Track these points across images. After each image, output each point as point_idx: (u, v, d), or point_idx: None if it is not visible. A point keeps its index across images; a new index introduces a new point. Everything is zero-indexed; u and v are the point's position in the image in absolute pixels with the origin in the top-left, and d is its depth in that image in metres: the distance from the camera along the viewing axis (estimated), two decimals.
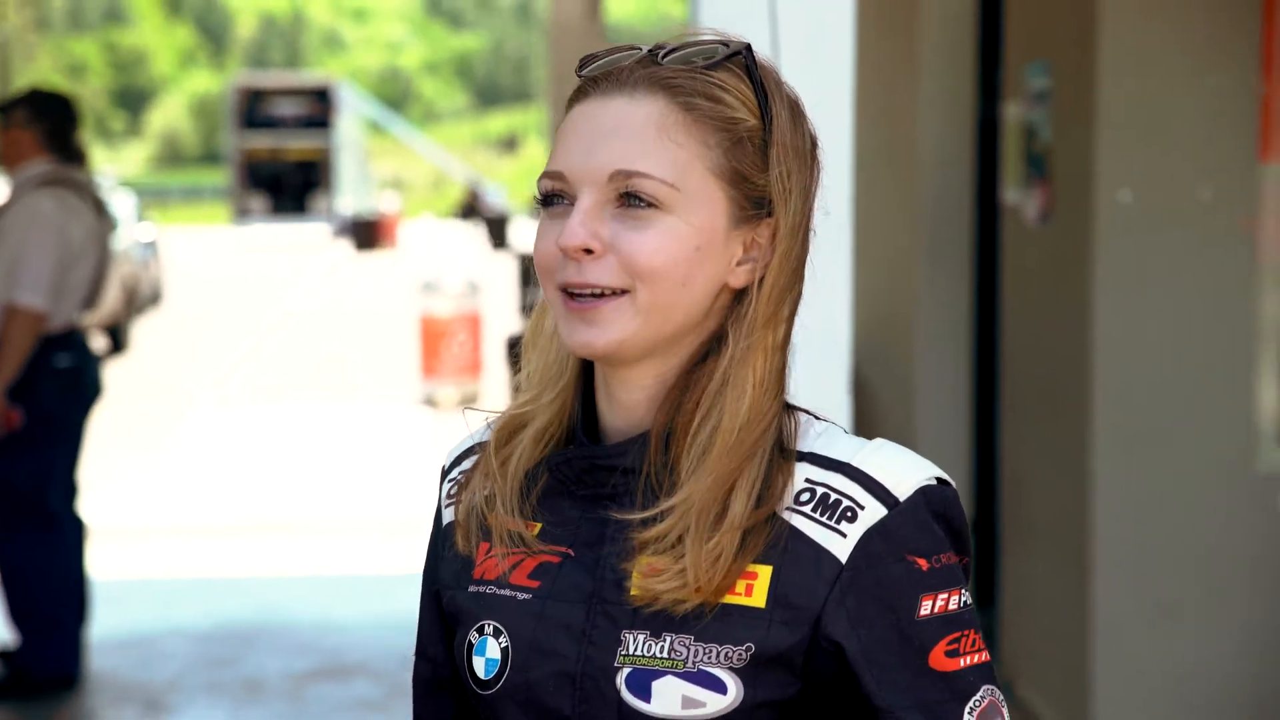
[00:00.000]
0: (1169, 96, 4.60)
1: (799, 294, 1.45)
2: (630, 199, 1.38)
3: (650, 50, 1.42)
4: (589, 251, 1.38)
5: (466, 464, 1.53)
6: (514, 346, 1.53)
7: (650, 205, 1.38)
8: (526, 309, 11.37)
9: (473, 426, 1.55)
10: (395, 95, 67.60)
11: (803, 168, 1.43)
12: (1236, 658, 4.67)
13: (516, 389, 1.51)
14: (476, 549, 1.48)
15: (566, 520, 1.44)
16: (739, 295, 1.43)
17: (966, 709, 1.38)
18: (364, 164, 45.49)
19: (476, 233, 34.20)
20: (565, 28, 10.39)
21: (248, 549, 8.00)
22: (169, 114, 67.23)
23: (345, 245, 35.10)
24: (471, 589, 1.47)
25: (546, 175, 1.41)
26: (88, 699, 5.63)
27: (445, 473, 1.55)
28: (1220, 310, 4.66)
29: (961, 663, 1.38)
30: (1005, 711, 1.42)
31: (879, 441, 1.44)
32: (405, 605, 6.49)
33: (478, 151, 58.59)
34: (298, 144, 38.11)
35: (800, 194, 1.43)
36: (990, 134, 6.01)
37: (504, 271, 21.17)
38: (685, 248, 1.38)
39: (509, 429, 1.48)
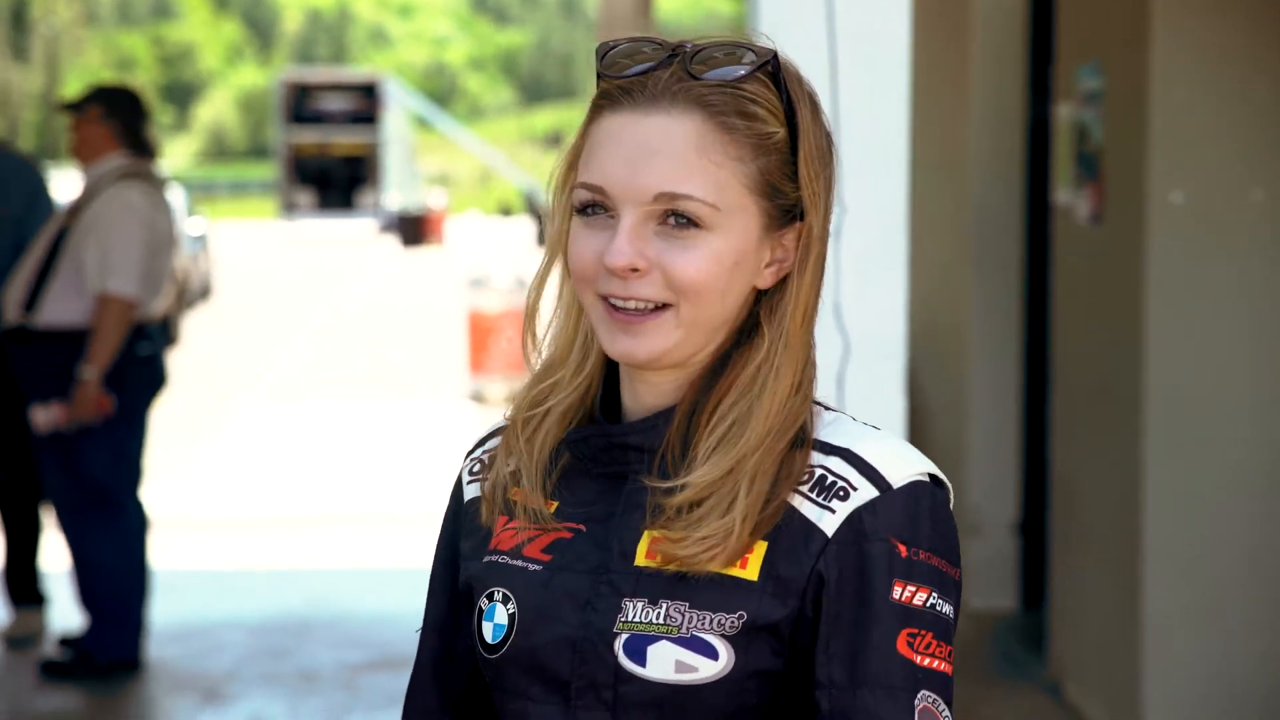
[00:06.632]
0: (1221, 97, 4.61)
1: (820, 294, 1.50)
2: (674, 217, 1.44)
3: (673, 52, 1.46)
4: (635, 270, 1.44)
5: (491, 444, 1.59)
6: None
7: (693, 224, 1.44)
8: None
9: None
10: (441, 91, 67.73)
11: (826, 166, 1.48)
12: None
13: (532, 364, 1.56)
14: (495, 522, 1.54)
15: (583, 498, 1.51)
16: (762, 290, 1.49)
17: (916, 702, 1.41)
18: (410, 159, 45.59)
19: (521, 230, 34.33)
20: (613, 24, 10.19)
21: (300, 542, 8.08)
22: (216, 108, 67.52)
23: (392, 241, 35.21)
24: (486, 559, 1.53)
25: (586, 186, 1.46)
26: (147, 687, 5.71)
27: (469, 453, 1.62)
28: (1272, 313, 4.67)
29: (917, 659, 1.41)
30: None
31: (883, 431, 1.49)
32: None
33: (523, 147, 58.64)
34: (345, 139, 38.22)
35: (825, 194, 1.48)
36: (1041, 135, 6.03)
37: None
38: (725, 263, 1.44)
39: (533, 406, 1.54)
